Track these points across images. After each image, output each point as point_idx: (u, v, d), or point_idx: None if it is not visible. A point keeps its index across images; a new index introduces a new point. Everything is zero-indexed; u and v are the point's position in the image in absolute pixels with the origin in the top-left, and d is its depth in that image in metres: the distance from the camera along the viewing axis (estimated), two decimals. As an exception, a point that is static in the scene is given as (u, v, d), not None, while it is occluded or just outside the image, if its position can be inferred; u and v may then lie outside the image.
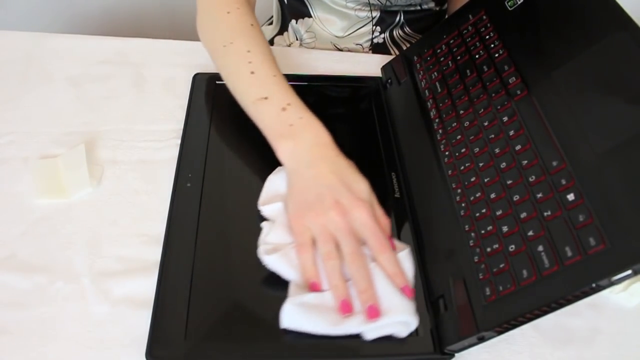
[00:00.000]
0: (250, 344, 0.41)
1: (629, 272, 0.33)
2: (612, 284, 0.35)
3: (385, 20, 0.74)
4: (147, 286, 0.44)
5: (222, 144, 0.55)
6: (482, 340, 0.39)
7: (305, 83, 0.62)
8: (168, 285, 0.43)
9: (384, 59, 0.67)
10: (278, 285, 0.44)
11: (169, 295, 0.43)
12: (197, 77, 0.61)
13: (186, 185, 0.50)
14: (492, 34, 0.53)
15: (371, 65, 0.67)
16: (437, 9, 0.75)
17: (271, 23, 0.84)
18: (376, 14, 0.73)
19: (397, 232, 0.48)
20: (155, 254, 0.46)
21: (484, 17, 0.55)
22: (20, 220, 0.48)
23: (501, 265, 0.39)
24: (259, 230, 0.47)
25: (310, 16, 0.75)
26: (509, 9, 0.53)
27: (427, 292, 0.44)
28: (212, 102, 0.59)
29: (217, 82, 0.60)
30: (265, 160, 0.49)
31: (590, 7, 0.45)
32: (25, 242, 0.47)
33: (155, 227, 0.48)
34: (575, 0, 0.47)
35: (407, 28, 0.75)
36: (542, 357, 0.43)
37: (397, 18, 0.74)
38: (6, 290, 0.44)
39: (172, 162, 0.52)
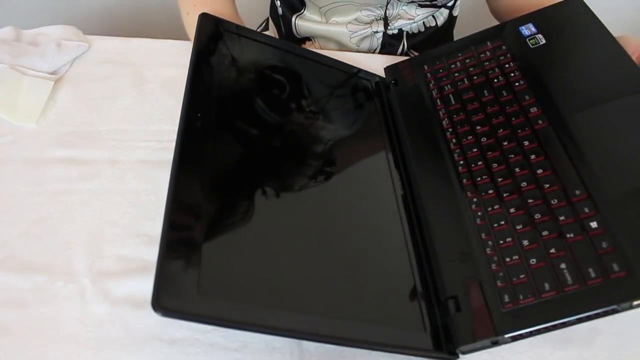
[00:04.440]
0: (269, 311, 0.38)
1: None
2: (632, 307, 0.36)
3: (386, 47, 0.73)
4: (147, 286, 0.43)
5: (233, 85, 0.53)
6: (495, 344, 0.40)
7: (311, 59, 0.61)
8: (177, 230, 0.38)
9: (384, 61, 0.67)
10: (300, 248, 0.43)
11: (178, 240, 0.38)
12: (204, 18, 0.55)
13: (196, 124, 0.46)
14: (511, 64, 0.54)
15: (373, 66, 0.66)
16: (438, 24, 0.74)
17: (266, 29, 0.84)
18: (377, 46, 0.73)
19: (403, 232, 0.48)
20: (155, 253, 0.45)
21: (503, 47, 0.56)
22: (20, 220, 0.48)
23: (521, 276, 0.40)
24: (277, 177, 0.47)
25: (310, 40, 0.75)
26: (531, 46, 0.55)
27: (435, 291, 0.44)
28: (222, 42, 0.55)
29: (225, 30, 0.57)
30: (277, 98, 0.49)
31: (610, 65, 0.50)
32: (25, 242, 0.47)
33: (155, 227, 0.48)
34: (596, 55, 0.51)
35: (411, 52, 0.75)
36: (542, 357, 0.43)
37: (400, 48, 0.74)
38: (6, 290, 0.44)
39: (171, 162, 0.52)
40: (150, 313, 0.42)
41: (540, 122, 0.48)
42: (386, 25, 0.71)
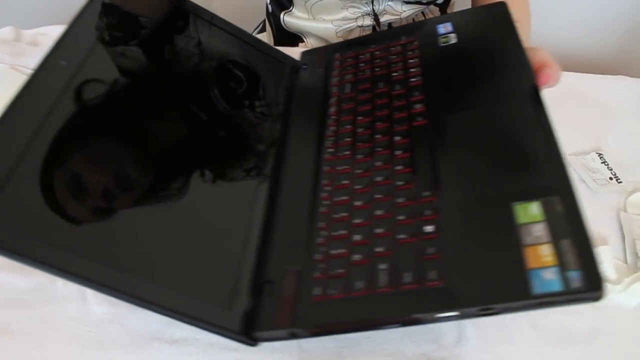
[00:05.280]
0: (59, 252, 0.35)
1: (457, 313, 0.34)
2: (435, 320, 0.35)
3: None
4: (147, 286, 0.44)
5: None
6: (294, 337, 0.38)
7: (225, 31, 0.58)
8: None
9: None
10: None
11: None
12: None
13: (59, 63, 0.44)
14: (415, 60, 0.54)
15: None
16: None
17: (263, 30, 0.84)
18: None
19: (253, 213, 0.46)
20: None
21: (415, 42, 0.56)
22: (20, 220, 0.48)
23: (339, 271, 0.39)
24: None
25: (302, 41, 0.76)
26: (440, 44, 0.54)
27: (256, 273, 0.43)
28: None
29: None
30: (178, 64, 0.48)
31: (508, 73, 0.48)
32: (25, 242, 0.47)
33: (155, 227, 0.48)
34: (499, 62, 0.50)
35: None
36: (542, 357, 0.42)
37: None
38: (6, 290, 0.44)
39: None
40: (151, 313, 0.42)
41: (419, 119, 0.47)
42: (378, 22, 0.71)
